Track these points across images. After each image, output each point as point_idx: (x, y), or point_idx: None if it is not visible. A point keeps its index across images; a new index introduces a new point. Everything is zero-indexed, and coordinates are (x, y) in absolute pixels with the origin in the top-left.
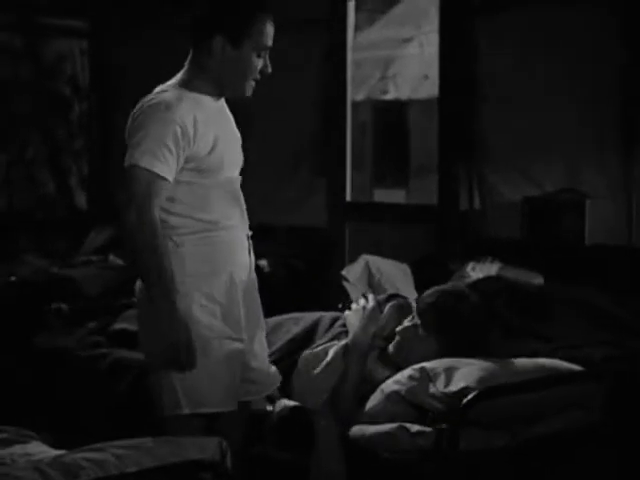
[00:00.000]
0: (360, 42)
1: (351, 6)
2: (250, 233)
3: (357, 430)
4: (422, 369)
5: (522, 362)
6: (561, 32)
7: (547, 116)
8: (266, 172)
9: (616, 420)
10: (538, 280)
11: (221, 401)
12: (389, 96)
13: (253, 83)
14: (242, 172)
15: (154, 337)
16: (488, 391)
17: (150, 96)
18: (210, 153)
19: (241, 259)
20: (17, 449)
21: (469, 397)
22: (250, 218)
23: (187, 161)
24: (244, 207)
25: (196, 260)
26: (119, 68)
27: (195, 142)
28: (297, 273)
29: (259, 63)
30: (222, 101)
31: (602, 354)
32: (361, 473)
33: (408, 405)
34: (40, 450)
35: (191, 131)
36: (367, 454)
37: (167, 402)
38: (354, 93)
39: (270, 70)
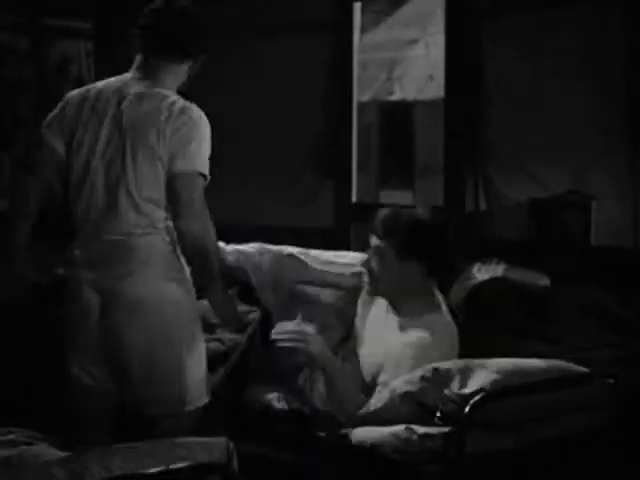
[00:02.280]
0: (366, 44)
1: (357, 8)
2: None
3: (362, 432)
4: (436, 370)
5: (534, 363)
6: (566, 33)
7: (553, 117)
8: (272, 173)
9: (624, 422)
10: (544, 281)
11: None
12: (395, 97)
13: None
14: (245, 174)
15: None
16: (496, 392)
17: (183, 101)
18: None
19: None
20: (24, 450)
21: (476, 398)
22: (257, 219)
23: None
24: None
25: None
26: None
27: None
28: None
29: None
30: None
31: (609, 356)
32: (367, 475)
33: (417, 405)
34: (46, 452)
35: None
36: (373, 456)
37: (178, 396)
38: (360, 94)
39: None
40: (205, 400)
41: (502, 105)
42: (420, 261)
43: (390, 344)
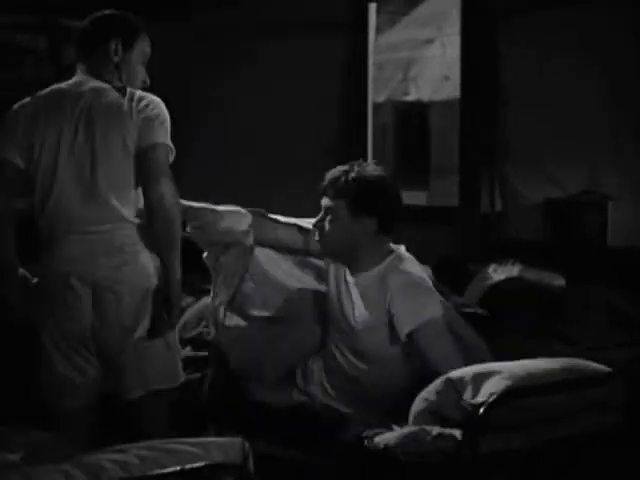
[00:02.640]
0: (381, 44)
1: (372, 8)
2: None
3: (372, 435)
4: (448, 380)
5: (548, 364)
6: (581, 33)
7: (569, 117)
8: (287, 174)
9: (638, 422)
10: (560, 282)
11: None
12: (410, 97)
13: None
14: (261, 175)
15: (142, 313)
16: (507, 396)
17: (140, 92)
18: None
19: None
20: (39, 450)
21: (488, 401)
22: None
23: None
24: None
25: None
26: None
27: None
28: None
29: (142, 72)
30: None
31: (624, 356)
32: (380, 476)
33: (437, 418)
34: (62, 452)
35: None
36: (386, 457)
37: (152, 378)
38: (375, 95)
39: (148, 82)
40: (180, 381)
41: (518, 105)
42: (372, 217)
43: (358, 312)
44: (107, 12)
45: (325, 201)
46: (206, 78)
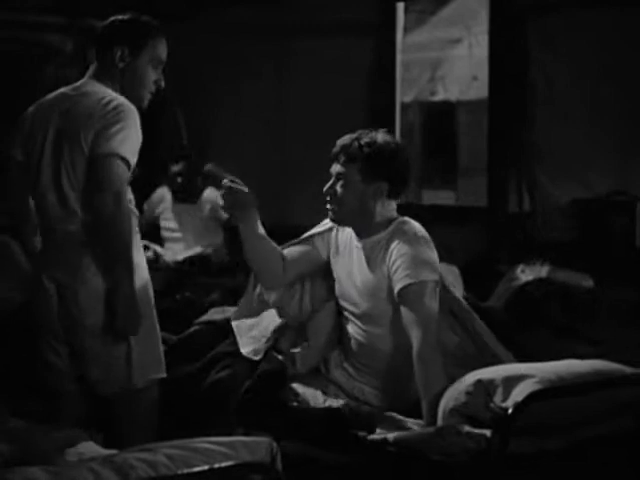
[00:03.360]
0: (409, 44)
1: (400, 8)
2: None
3: (401, 434)
4: (479, 382)
5: (578, 367)
6: (613, 34)
7: (599, 118)
8: (312, 174)
9: None
10: (588, 283)
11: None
12: (438, 97)
13: (149, 95)
14: (286, 175)
15: (100, 312)
16: (537, 398)
17: (109, 96)
18: None
19: None
20: (69, 449)
21: (518, 403)
22: (298, 219)
23: None
24: None
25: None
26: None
27: None
28: None
29: (154, 75)
30: None
31: None
32: (407, 475)
33: (466, 418)
34: (91, 450)
35: None
36: (413, 456)
37: (132, 373)
38: (403, 95)
39: (163, 84)
40: (160, 376)
41: (547, 105)
42: (384, 181)
43: (361, 275)
44: (118, 17)
45: (336, 167)
46: (229, 77)
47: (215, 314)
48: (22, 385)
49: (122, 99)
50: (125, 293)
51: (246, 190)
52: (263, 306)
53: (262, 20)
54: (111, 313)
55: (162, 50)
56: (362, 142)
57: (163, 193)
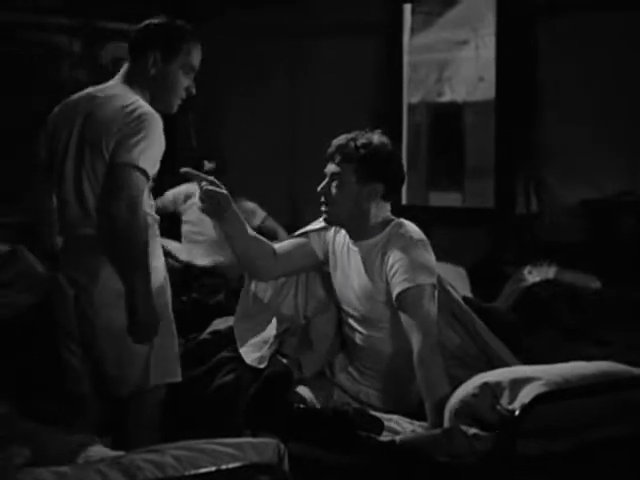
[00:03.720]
0: (416, 45)
1: (407, 9)
2: None
3: (407, 436)
4: (485, 385)
5: (585, 369)
6: (620, 34)
7: (606, 119)
8: (321, 174)
9: None
10: (595, 284)
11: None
12: (445, 98)
13: (179, 101)
14: (294, 175)
15: (117, 314)
16: (543, 400)
17: (134, 103)
18: None
19: None
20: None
21: (525, 405)
22: (310, 220)
23: None
24: None
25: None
26: None
27: None
28: None
29: (186, 82)
30: None
31: None
32: (414, 476)
33: (472, 420)
34: (99, 451)
35: None
36: (419, 457)
37: (149, 374)
38: (410, 96)
39: (194, 91)
40: (176, 380)
41: (554, 106)
42: (379, 182)
43: (358, 279)
44: (153, 21)
45: (331, 167)
46: (238, 79)
47: (219, 324)
48: (36, 386)
49: (146, 107)
50: (142, 298)
51: (224, 192)
52: (260, 305)
53: (269, 22)
54: (128, 317)
55: (196, 56)
56: (358, 143)
57: (194, 190)
